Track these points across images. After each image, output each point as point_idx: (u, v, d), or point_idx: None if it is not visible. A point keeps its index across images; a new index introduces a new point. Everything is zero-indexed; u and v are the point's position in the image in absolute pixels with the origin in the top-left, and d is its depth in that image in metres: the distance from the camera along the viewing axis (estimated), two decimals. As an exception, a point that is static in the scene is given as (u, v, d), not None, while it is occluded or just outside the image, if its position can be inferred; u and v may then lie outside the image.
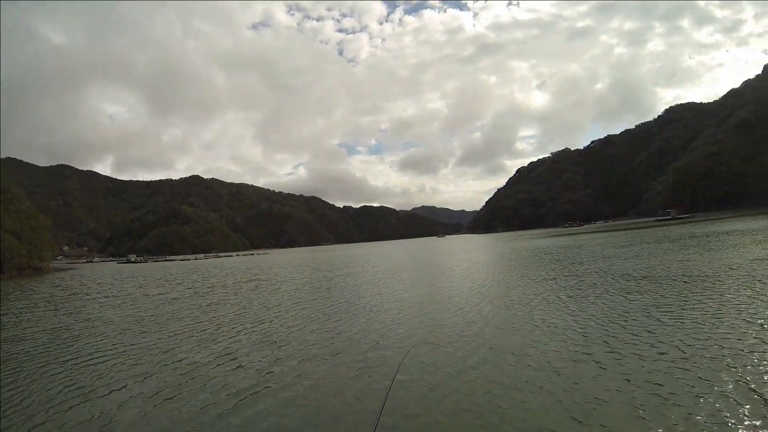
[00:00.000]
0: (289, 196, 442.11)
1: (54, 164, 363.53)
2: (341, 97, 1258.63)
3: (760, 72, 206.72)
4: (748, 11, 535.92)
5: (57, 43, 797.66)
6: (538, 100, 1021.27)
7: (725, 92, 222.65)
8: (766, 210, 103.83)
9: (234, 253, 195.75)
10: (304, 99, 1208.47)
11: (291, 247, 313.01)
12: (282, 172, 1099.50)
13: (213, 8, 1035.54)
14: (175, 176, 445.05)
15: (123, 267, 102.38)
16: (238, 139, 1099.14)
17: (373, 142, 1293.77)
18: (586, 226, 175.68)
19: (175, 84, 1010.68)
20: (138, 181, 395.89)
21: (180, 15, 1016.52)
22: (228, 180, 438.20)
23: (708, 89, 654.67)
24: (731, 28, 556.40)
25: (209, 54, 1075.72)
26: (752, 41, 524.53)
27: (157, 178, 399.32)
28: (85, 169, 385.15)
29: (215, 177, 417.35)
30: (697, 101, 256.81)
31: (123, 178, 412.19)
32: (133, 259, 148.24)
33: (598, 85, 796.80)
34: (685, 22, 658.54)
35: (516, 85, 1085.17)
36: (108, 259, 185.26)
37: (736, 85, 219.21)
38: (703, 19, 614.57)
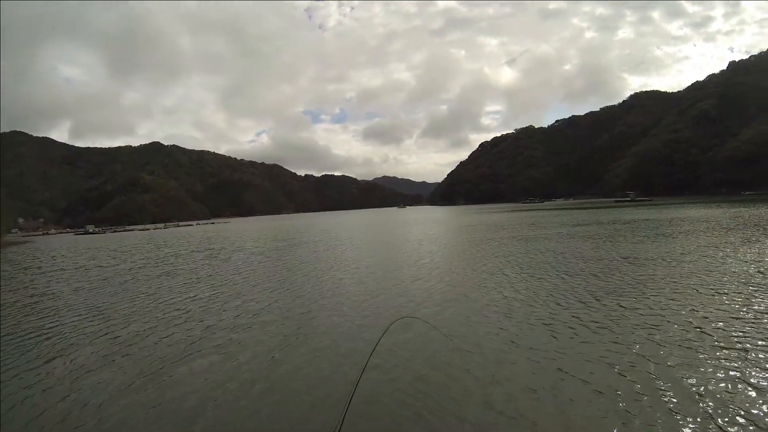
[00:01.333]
0: (251, 164, 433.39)
1: (6, 131, 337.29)
2: (308, 65, 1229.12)
3: (724, 68, 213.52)
4: (718, 9, 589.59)
5: None
6: (507, 76, 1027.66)
7: (689, 84, 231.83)
8: (719, 198, 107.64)
9: (194, 222, 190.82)
10: (270, 65, 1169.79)
11: (251, 215, 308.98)
12: (244, 139, 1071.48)
13: None
14: (135, 143, 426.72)
15: (80, 239, 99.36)
16: (201, 104, 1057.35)
17: (337, 110, 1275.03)
18: (546, 203, 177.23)
19: (138, 44, 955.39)
20: (95, 147, 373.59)
21: None
22: (189, 147, 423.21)
23: (672, 80, 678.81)
24: (700, 23, 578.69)
25: (174, 14, 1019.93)
26: (719, 38, 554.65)
27: (116, 145, 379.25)
28: (40, 135, 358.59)
29: (176, 144, 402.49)
30: (662, 90, 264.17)
31: (80, 145, 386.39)
32: (90, 230, 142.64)
33: (567, 67, 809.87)
34: (656, 14, 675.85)
35: (485, 60, 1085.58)
36: (65, 231, 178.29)
37: (701, 78, 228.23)
38: (674, 13, 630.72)
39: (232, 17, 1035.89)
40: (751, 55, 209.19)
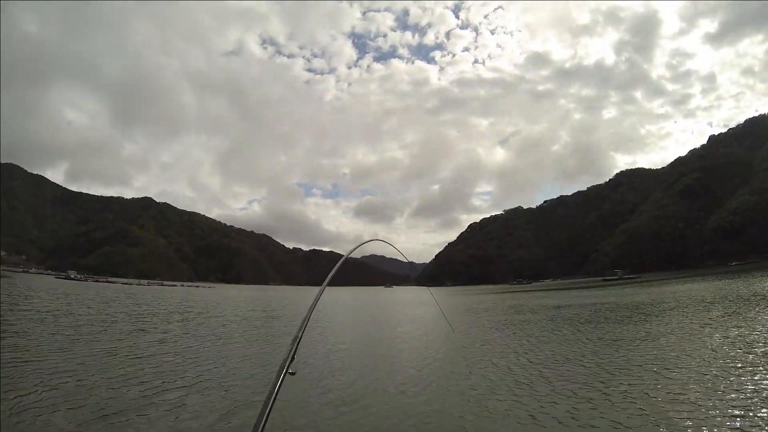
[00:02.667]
0: (240, 232, 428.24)
1: (2, 162, 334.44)
2: (304, 136, 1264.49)
3: (705, 142, 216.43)
4: (696, 86, 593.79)
5: (28, 30, 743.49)
6: (499, 156, 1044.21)
7: (673, 160, 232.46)
8: (706, 271, 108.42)
9: (179, 284, 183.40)
10: (269, 132, 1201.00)
11: (237, 283, 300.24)
12: (236, 205, 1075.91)
13: (191, 27, 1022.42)
14: (129, 194, 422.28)
15: (59, 283, 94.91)
16: (198, 164, 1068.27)
17: (330, 186, 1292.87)
18: (534, 284, 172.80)
19: (143, 97, 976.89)
20: (89, 194, 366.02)
21: (159, 27, 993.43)
22: (181, 206, 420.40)
23: (657, 156, 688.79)
24: (680, 101, 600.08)
25: (183, 71, 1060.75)
26: (699, 114, 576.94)
27: (110, 194, 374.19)
28: (35, 172, 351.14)
29: (168, 201, 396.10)
30: (647, 167, 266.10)
31: (74, 189, 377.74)
32: (72, 276, 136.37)
33: (557, 146, 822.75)
34: (638, 93, 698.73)
35: (476, 140, 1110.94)
36: (46, 272, 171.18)
37: (683, 153, 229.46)
38: (655, 92, 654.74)
39: (236, 79, 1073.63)
40: (729, 129, 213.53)
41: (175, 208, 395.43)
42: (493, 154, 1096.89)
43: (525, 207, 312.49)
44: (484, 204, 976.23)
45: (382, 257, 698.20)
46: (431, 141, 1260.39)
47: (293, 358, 2.24)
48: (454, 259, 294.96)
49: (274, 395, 1.94)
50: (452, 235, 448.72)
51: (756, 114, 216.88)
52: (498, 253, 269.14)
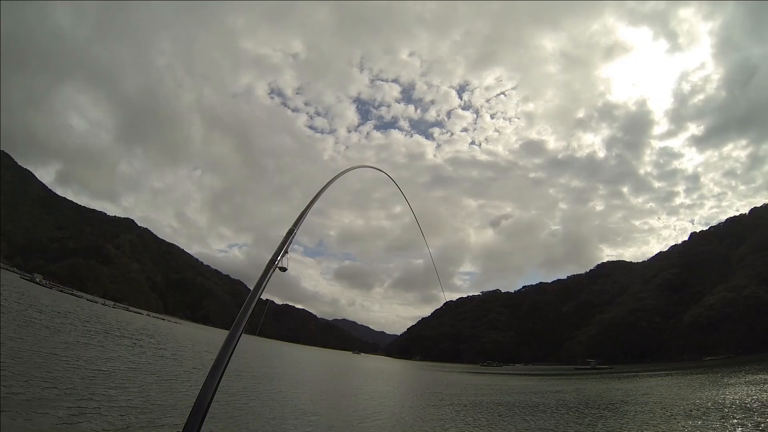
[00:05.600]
0: (216, 273, 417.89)
1: None
2: (299, 192, 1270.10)
3: (686, 239, 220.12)
4: (681, 185, 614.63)
5: (61, 23, 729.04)
6: (485, 238, 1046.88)
7: (654, 254, 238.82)
8: (680, 366, 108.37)
9: (145, 312, 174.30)
10: (265, 182, 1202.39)
11: (204, 323, 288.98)
12: (218, 246, 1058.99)
13: (210, 62, 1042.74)
14: (113, 211, 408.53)
15: (23, 284, 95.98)
16: (189, 198, 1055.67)
17: (314, 244, 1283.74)
18: (505, 368, 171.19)
19: (154, 119, 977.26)
20: (73, 201, 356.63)
21: (182, 53, 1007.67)
22: (162, 235, 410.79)
23: (638, 250, 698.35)
24: (665, 198, 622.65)
25: (196, 103, 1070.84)
26: (682, 211, 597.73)
27: (94, 207, 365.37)
28: (24, 166, 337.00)
29: (150, 228, 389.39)
30: (627, 260, 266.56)
31: (59, 193, 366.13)
32: (38, 280, 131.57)
33: (545, 234, 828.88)
34: (625, 188, 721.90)
35: (465, 220, 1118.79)
36: (11, 269, 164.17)
37: (665, 248, 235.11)
38: (642, 188, 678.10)
39: (242, 121, 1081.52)
40: (711, 227, 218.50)
41: (155, 236, 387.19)
42: (480, 236, 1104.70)
43: (503, 291, 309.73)
44: (464, 284, 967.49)
45: (354, 323, 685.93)
46: (420, 215, 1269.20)
47: (286, 251, 2.03)
48: (425, 334, 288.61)
49: (262, 287, 1.99)
50: (427, 311, 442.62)
51: (737, 213, 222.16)
52: (471, 333, 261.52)
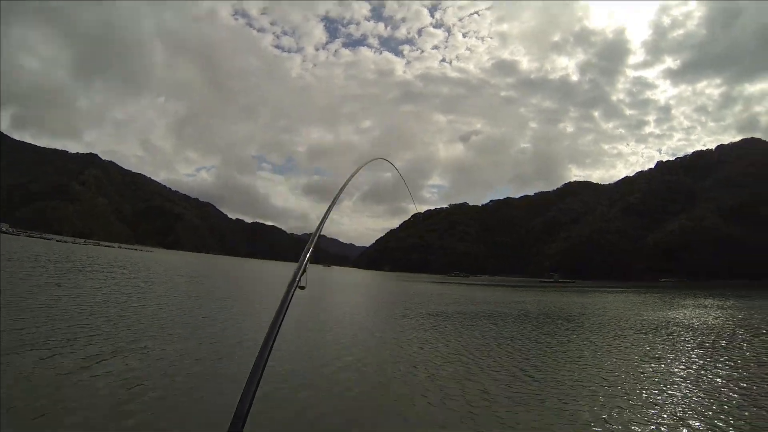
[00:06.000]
0: (184, 198, 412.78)
1: None
2: (266, 111, 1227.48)
3: (653, 167, 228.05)
4: (652, 115, 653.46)
5: None
6: (455, 153, 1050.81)
7: (620, 178, 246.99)
8: (638, 285, 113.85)
9: (116, 245, 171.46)
10: (231, 102, 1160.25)
11: (175, 249, 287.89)
12: (185, 171, 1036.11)
13: None
14: (76, 148, 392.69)
15: None
16: (153, 125, 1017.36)
17: (283, 161, 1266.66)
18: (471, 278, 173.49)
19: (112, 49, 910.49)
20: (32, 144, 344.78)
21: None
22: (128, 166, 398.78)
23: (606, 173, 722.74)
24: (635, 126, 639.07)
25: (158, 28, 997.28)
26: (651, 140, 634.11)
27: (56, 146, 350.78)
28: None
29: (115, 161, 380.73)
30: (595, 181, 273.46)
31: (16, 137, 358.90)
32: (4, 229, 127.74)
33: (514, 151, 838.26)
34: (596, 113, 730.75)
35: (435, 135, 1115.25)
36: None
37: (631, 174, 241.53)
38: (613, 114, 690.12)
39: (206, 45, 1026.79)
40: (677, 158, 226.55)
41: (120, 167, 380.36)
42: (449, 150, 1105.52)
43: (471, 204, 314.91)
44: (433, 197, 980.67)
45: (323, 236, 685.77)
46: (389, 130, 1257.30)
47: (305, 271, 2.30)
48: (394, 245, 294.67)
49: (285, 308, 1.69)
50: (396, 223, 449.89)
51: (703, 148, 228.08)
52: (439, 244, 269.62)
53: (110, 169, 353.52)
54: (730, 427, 8.47)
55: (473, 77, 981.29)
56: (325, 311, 27.24)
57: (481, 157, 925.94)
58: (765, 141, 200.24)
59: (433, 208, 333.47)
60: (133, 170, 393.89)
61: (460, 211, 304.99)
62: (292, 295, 2.19)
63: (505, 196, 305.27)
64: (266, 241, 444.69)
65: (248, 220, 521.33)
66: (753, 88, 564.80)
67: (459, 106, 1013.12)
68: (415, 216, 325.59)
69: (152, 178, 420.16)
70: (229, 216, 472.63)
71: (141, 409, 7.72)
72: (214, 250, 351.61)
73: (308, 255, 1.95)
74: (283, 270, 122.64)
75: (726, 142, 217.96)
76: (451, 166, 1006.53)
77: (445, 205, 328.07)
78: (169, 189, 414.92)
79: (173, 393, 8.96)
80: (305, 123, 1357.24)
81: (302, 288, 1.78)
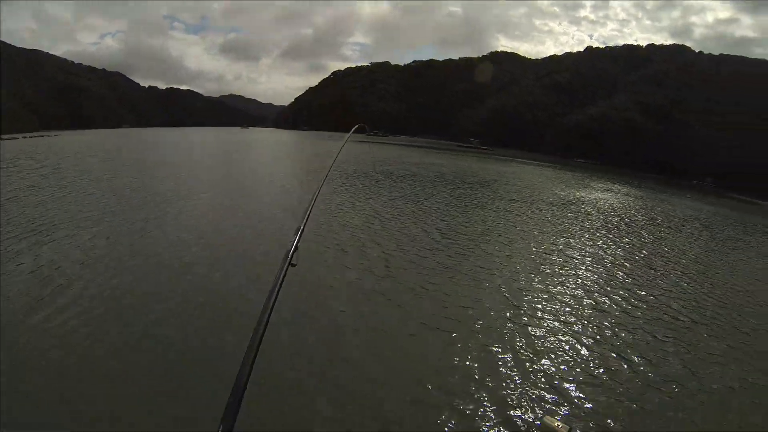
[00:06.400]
0: (90, 70, 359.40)
1: None
2: None
3: (582, 50, 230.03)
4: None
5: None
6: (379, 10, 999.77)
7: (548, 55, 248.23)
8: (554, 160, 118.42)
9: (20, 136, 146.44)
10: None
11: (88, 128, 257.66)
12: (88, 40, 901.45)
13: None
14: None
15: None
16: None
17: (196, 20, 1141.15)
18: (390, 137, 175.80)
19: None
20: None
21: None
22: (20, 42, 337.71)
23: (534, 49, 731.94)
24: (570, 7, 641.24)
25: None
26: (584, 24, 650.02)
27: None
28: None
29: (4, 40, 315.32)
30: (521, 54, 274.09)
31: None
32: None
33: (442, 14, 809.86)
34: None
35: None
36: None
37: (560, 53, 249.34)
38: None
39: None
40: (607, 46, 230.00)
41: (13, 46, 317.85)
42: (374, 7, 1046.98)
43: (394, 63, 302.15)
44: (354, 54, 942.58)
45: (241, 97, 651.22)
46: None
47: (297, 248, 2.29)
48: (312, 104, 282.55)
49: (278, 286, 1.72)
50: (315, 81, 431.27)
51: (635, 43, 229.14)
52: (359, 102, 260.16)
53: (4, 51, 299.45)
54: (624, 300, 9.27)
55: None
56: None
57: (406, 17, 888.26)
58: (693, 50, 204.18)
59: (354, 65, 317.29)
60: (28, 48, 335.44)
61: (381, 69, 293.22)
62: (285, 272, 2.12)
63: (429, 58, 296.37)
64: (183, 107, 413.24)
65: (162, 86, 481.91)
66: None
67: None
68: (335, 73, 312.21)
69: (52, 53, 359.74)
70: (141, 84, 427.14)
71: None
72: (128, 123, 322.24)
73: (300, 234, 2.52)
74: (198, 136, 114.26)
75: (657, 43, 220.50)
76: (376, 24, 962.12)
77: (366, 63, 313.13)
78: (73, 62, 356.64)
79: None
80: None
81: (293, 266, 2.36)
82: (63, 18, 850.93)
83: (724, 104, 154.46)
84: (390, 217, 14.94)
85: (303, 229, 2.72)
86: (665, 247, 18.83)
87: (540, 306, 8.91)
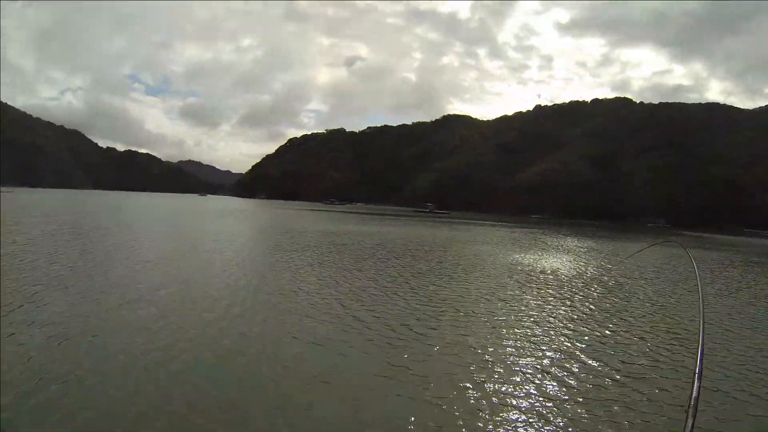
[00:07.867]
0: (48, 126, 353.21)
1: None
2: (139, 24, 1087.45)
3: (530, 109, 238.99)
4: (535, 61, 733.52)
5: None
6: (336, 78, 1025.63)
7: (498, 116, 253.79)
8: (511, 219, 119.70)
9: None
10: (109, 9, 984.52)
11: (39, 186, 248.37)
12: (47, 94, 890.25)
13: None
14: None
15: None
16: (9, 38, 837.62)
17: (157, 82, 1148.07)
18: (348, 206, 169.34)
19: None
20: None
21: None
22: None
23: (484, 110, 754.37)
24: (517, 69, 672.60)
25: None
26: (531, 85, 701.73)
27: None
28: None
29: None
30: (473, 117, 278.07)
31: None
32: None
33: (396, 80, 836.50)
34: (481, 51, 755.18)
35: (316, 58, 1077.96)
36: None
37: (509, 114, 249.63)
38: (498, 54, 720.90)
39: None
40: (554, 104, 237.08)
41: None
42: (331, 74, 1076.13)
43: (348, 130, 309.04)
44: (311, 121, 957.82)
45: (199, 163, 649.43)
46: (270, 50, 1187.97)
47: None
48: (269, 172, 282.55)
49: None
50: (273, 148, 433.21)
51: (579, 99, 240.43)
52: (313, 171, 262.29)
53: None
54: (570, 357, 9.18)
55: (359, 1, 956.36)
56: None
57: (362, 84, 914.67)
58: (634, 101, 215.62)
59: (309, 132, 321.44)
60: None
61: (336, 136, 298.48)
62: None
63: (383, 124, 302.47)
64: (141, 171, 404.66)
65: (121, 147, 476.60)
66: (630, 54, 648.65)
67: (343, 29, 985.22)
68: (292, 141, 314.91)
69: (9, 103, 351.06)
70: (100, 144, 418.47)
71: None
72: (85, 186, 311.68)
73: None
74: (155, 201, 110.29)
75: (601, 98, 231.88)
76: (332, 91, 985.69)
77: (322, 131, 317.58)
78: (30, 116, 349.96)
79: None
80: (182, 38, 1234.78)
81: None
82: (24, 68, 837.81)
83: (659, 149, 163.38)
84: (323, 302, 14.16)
85: None
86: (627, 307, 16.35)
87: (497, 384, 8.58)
